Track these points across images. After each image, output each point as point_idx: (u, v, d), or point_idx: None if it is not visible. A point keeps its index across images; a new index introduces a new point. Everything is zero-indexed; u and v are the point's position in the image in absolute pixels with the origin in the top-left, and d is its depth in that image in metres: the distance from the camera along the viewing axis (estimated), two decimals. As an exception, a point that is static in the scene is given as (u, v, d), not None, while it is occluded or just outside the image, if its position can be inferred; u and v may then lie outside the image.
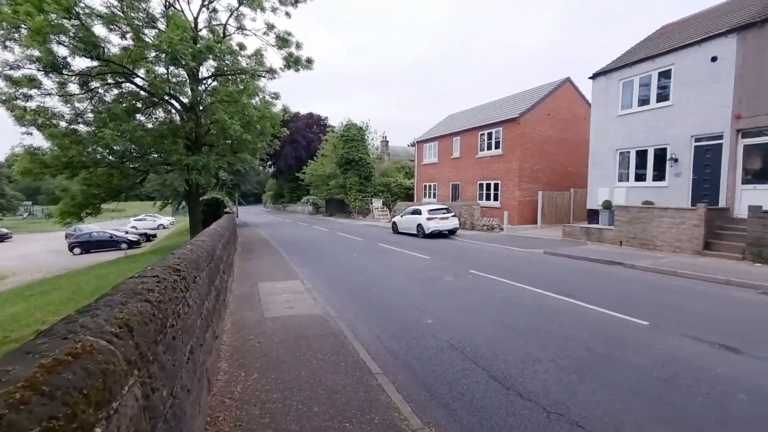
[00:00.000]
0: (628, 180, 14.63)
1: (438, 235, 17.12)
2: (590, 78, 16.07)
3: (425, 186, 29.10)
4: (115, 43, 13.94)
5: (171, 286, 2.34)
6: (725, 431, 2.99)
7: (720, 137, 11.77)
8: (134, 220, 42.23)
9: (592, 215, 15.73)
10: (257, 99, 16.88)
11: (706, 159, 12.17)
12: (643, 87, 14.08)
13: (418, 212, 18.03)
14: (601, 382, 3.79)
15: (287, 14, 15.95)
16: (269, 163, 56.44)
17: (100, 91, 14.60)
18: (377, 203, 32.74)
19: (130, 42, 13.74)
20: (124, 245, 27.56)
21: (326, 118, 56.55)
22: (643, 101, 14.05)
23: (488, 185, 22.22)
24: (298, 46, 15.40)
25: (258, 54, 15.59)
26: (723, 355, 4.36)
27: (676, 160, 12.85)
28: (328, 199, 39.62)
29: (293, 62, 15.46)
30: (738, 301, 6.73)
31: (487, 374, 4.01)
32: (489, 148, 22.22)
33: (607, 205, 14.46)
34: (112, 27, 13.19)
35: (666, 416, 3.20)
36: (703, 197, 12.04)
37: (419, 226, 17.49)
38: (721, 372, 3.93)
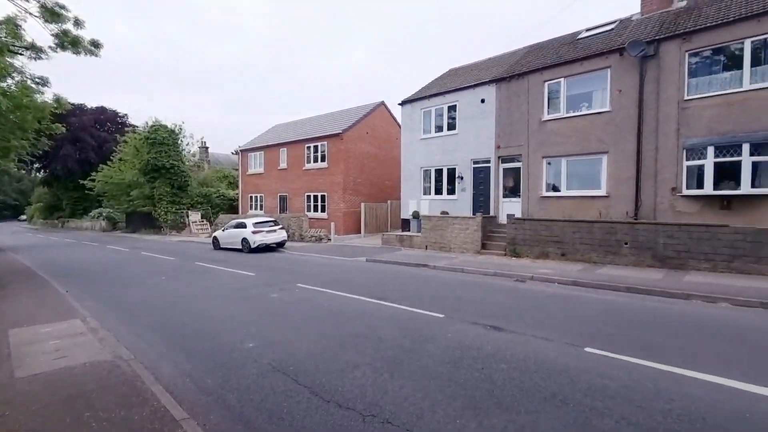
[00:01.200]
0: (430, 193, 17.34)
1: (265, 249, 16.42)
2: (399, 104, 18.44)
3: (251, 197, 27.63)
4: None
5: None
6: (492, 396, 3.79)
7: (489, 162, 15.24)
8: None
9: (405, 224, 17.96)
10: (11, 82, 12.70)
11: (481, 178, 15.56)
12: (438, 117, 17.02)
13: (242, 225, 16.91)
14: (407, 376, 4.28)
15: (60, -20, 12.58)
16: (37, 166, 43.34)
17: None
18: (195, 216, 29.18)
19: None
20: None
21: (125, 115, 47.26)
22: (439, 128, 16.98)
23: (316, 197, 22.73)
24: (78, 23, 12.29)
25: (11, 23, 11.72)
26: (492, 335, 5.57)
27: (462, 178, 15.97)
28: (130, 213, 33.05)
29: (70, 43, 12.24)
30: (502, 288, 8.77)
31: (309, 391, 3.99)
32: (315, 160, 22.79)
33: (416, 214, 16.77)
34: None
35: (453, 394, 3.84)
36: (480, 208, 15.32)
37: (244, 240, 16.41)
38: (489, 349, 5.00)
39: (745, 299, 6.94)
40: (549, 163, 13.66)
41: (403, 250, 15.19)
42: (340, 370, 4.45)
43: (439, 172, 16.97)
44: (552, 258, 11.88)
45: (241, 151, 28.55)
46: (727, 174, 10.08)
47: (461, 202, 16.00)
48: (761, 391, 3.76)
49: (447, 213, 15.69)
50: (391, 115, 24.70)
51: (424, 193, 17.54)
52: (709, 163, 10.26)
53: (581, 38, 14.74)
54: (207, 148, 42.01)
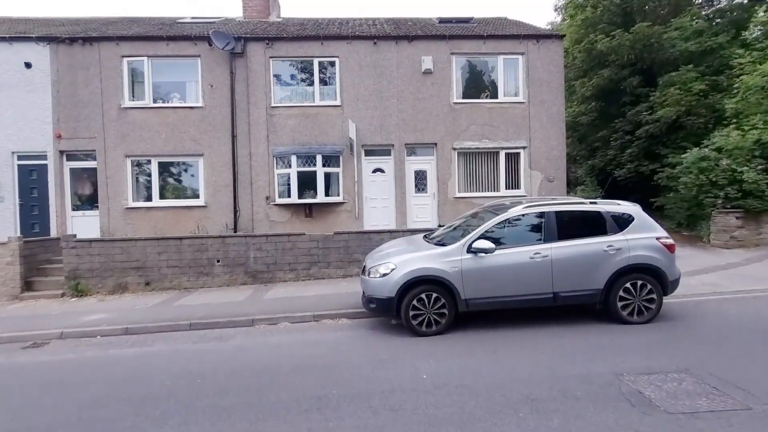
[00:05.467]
0: (-70, 206, 10.13)
1: None
2: None
3: None
4: None
5: None
6: None
7: (45, 157, 10.27)
8: None
9: None
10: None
11: (33, 181, 10.32)
12: (-57, 77, 10.15)
13: None
14: None
15: None
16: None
17: None
18: None
19: None
20: None
21: None
22: (-54, 97, 10.14)
23: None
24: None
25: None
26: None
27: (-6, 181, 10.08)
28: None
29: None
30: None
31: None
32: None
33: None
34: None
35: None
36: (34, 226, 10.12)
37: None
38: None
39: (302, 315, 6.49)
40: (137, 164, 10.53)
41: None
42: None
43: (-49, 169, 10.12)
44: (132, 290, 8.77)
45: None
46: (309, 183, 10.52)
47: (-5, 218, 10.08)
48: None
49: (-34, 238, 9.38)
50: None
51: None
52: (293, 172, 10.39)
53: (181, 23, 12.58)
54: None
